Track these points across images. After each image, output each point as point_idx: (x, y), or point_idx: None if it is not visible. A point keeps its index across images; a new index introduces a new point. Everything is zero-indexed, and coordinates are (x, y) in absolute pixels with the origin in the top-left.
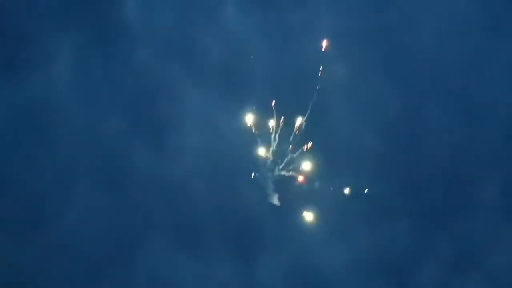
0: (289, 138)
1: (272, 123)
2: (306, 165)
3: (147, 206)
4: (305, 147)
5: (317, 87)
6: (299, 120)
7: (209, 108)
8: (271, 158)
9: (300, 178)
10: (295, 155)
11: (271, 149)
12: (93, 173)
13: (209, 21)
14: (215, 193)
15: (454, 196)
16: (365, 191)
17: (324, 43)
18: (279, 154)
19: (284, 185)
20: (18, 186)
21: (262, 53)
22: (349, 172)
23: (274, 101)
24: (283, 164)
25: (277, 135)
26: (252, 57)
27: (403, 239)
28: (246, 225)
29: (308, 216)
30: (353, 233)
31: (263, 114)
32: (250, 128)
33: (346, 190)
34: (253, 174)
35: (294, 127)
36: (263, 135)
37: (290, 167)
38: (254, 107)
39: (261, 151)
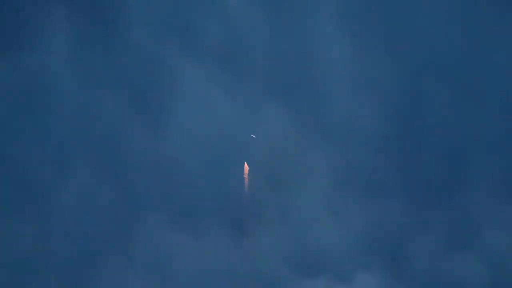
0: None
1: None
2: None
3: (144, 185)
4: None
5: (317, 67)
6: None
7: (206, 88)
8: None
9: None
10: None
11: None
12: (89, 152)
13: (207, 0)
14: (212, 172)
15: (449, 174)
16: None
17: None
18: None
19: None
20: (15, 166)
21: (262, 33)
22: (345, 149)
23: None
24: None
25: None
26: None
27: (397, 217)
28: (243, 204)
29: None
30: (349, 210)
31: (260, 95)
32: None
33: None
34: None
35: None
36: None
37: None
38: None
39: None
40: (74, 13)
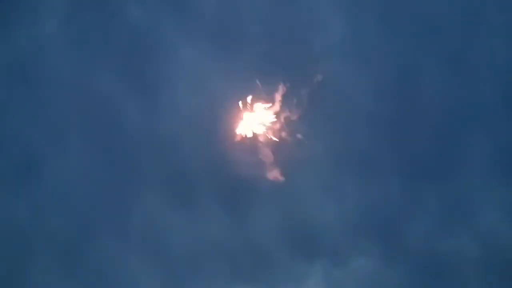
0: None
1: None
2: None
3: (140, 162)
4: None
5: (314, 46)
6: None
7: (202, 65)
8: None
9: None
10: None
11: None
12: (85, 127)
13: None
14: (208, 148)
15: (444, 154)
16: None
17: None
18: None
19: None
20: (11, 141)
21: (258, 11)
22: (342, 129)
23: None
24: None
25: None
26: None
27: (393, 196)
28: (238, 181)
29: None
30: (345, 189)
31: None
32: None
33: None
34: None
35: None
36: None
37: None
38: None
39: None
40: None
